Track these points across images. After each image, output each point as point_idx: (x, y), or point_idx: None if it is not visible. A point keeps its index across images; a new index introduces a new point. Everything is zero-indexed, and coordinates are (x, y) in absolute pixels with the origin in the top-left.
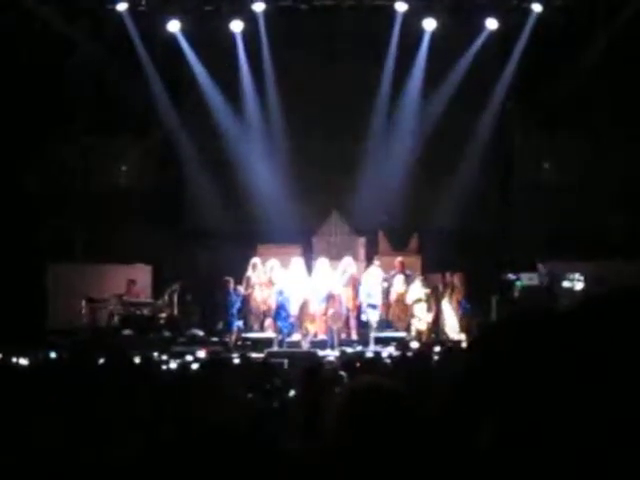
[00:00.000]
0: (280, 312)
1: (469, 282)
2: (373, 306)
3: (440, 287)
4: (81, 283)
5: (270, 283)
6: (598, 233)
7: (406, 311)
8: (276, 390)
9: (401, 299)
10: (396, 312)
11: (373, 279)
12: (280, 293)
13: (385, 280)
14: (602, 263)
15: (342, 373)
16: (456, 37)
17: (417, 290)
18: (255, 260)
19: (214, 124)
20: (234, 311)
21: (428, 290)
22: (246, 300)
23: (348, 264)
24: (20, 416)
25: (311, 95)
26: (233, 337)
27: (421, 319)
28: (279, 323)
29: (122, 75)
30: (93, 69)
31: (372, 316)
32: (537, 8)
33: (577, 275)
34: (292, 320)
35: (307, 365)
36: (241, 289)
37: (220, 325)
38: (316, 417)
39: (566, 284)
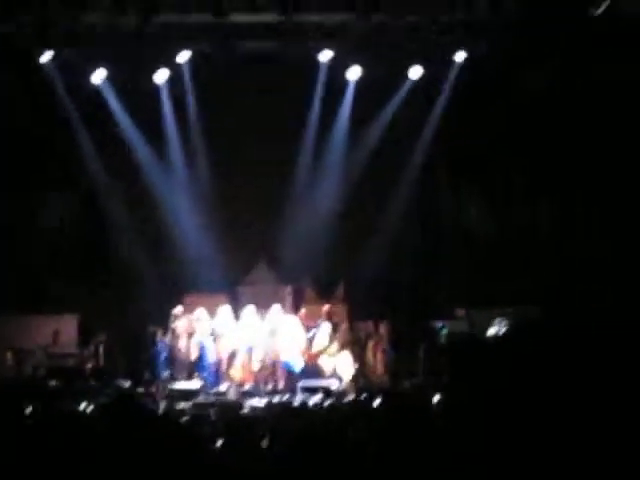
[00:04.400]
0: (202, 362)
1: (395, 330)
2: (299, 355)
3: (366, 335)
4: (6, 334)
5: (195, 332)
6: (519, 280)
7: (332, 359)
8: (203, 440)
9: (327, 347)
10: (322, 360)
11: (298, 328)
12: (201, 343)
13: (311, 328)
14: (523, 309)
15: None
16: (381, 86)
17: (343, 338)
18: (176, 310)
19: (140, 173)
20: (160, 361)
21: (354, 338)
22: (172, 350)
23: (275, 313)
24: None
25: (237, 143)
26: (160, 387)
27: (347, 367)
28: (202, 373)
29: (47, 125)
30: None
31: (297, 365)
32: (461, 56)
33: (500, 321)
34: (215, 369)
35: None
36: (167, 339)
37: (147, 375)
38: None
39: (492, 330)
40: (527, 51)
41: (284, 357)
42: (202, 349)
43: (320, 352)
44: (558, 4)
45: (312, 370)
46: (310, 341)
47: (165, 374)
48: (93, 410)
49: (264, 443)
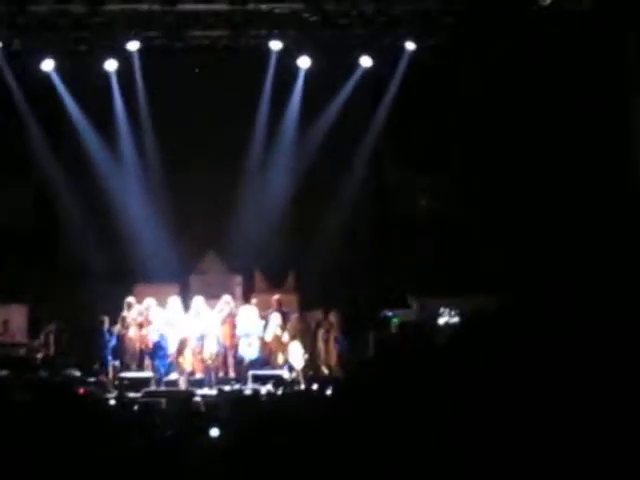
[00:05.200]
0: (158, 351)
1: (346, 319)
2: (250, 344)
3: (316, 324)
4: None
5: (147, 322)
6: (471, 268)
7: (283, 349)
8: (155, 428)
9: (278, 337)
10: (273, 350)
11: (249, 317)
12: (158, 332)
13: (262, 318)
14: (476, 298)
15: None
16: (331, 75)
17: (294, 328)
18: (130, 299)
19: (89, 162)
20: (109, 350)
21: (304, 328)
22: (122, 339)
23: (226, 302)
24: None
25: (187, 132)
26: (110, 377)
27: (298, 356)
28: (157, 362)
29: None
30: None
31: (249, 354)
32: (410, 46)
33: (451, 310)
34: (170, 359)
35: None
36: (116, 328)
37: (96, 365)
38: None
39: (442, 320)
40: (474, 42)
41: (237, 346)
42: (156, 337)
43: (271, 341)
44: None
45: (263, 359)
46: (261, 330)
47: (115, 363)
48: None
49: (214, 432)
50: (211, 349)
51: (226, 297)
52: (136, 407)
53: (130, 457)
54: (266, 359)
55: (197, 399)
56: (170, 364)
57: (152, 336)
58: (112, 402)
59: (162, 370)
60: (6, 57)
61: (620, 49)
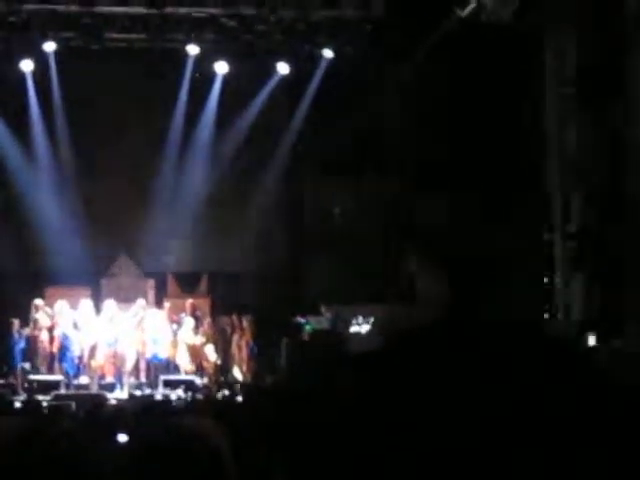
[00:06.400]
0: (65, 354)
1: (258, 324)
2: (163, 348)
3: (229, 329)
4: None
5: (57, 325)
6: (386, 276)
7: (195, 353)
8: (64, 433)
9: (190, 341)
10: (184, 354)
11: (159, 321)
12: (64, 335)
13: (175, 322)
14: (387, 307)
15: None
16: (248, 80)
17: (206, 333)
18: (38, 302)
19: (3, 163)
20: (18, 352)
21: (217, 333)
22: (32, 342)
23: (139, 306)
24: None
25: (102, 134)
26: (19, 379)
27: (209, 361)
28: (64, 365)
29: None
30: None
31: (162, 359)
32: (328, 54)
33: (363, 319)
34: (77, 362)
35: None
36: (26, 330)
37: (4, 367)
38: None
39: (353, 328)
40: (393, 50)
41: (148, 350)
42: (65, 340)
43: (183, 346)
44: (426, 4)
45: (175, 364)
46: (174, 335)
47: (24, 366)
48: None
49: (122, 437)
50: (122, 353)
51: (140, 301)
52: (44, 410)
53: (33, 463)
54: (178, 364)
55: (108, 402)
56: (78, 367)
57: (59, 339)
58: (18, 404)
59: (70, 373)
60: None
61: (538, 62)
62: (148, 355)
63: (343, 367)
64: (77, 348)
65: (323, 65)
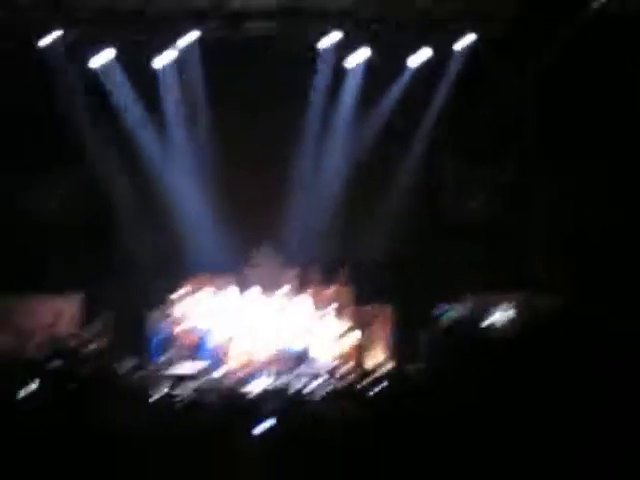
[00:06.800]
0: (203, 346)
1: (399, 313)
2: (302, 337)
3: (370, 318)
4: (6, 314)
5: (192, 317)
6: (525, 265)
7: (337, 343)
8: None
9: (332, 330)
10: (326, 343)
11: (302, 310)
12: (203, 327)
13: (316, 311)
14: (527, 294)
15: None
16: (386, 68)
17: (347, 321)
18: (181, 292)
19: (141, 156)
20: (157, 344)
21: (358, 322)
22: (170, 334)
23: (282, 295)
24: None
25: (241, 126)
26: (157, 371)
27: (351, 350)
28: (203, 357)
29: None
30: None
31: (301, 349)
32: (469, 39)
33: (504, 306)
34: (217, 354)
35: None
36: (164, 323)
37: (144, 358)
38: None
39: (494, 316)
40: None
41: (289, 339)
42: (203, 332)
43: (325, 336)
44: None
45: (316, 353)
46: (315, 324)
47: (162, 358)
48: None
49: (259, 429)
50: (262, 344)
51: (284, 290)
52: (181, 403)
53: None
54: (318, 354)
55: (246, 394)
56: (218, 359)
57: (197, 331)
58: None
59: (209, 365)
60: (64, 47)
61: None
62: (289, 344)
63: (480, 354)
64: (216, 339)
65: (464, 52)
